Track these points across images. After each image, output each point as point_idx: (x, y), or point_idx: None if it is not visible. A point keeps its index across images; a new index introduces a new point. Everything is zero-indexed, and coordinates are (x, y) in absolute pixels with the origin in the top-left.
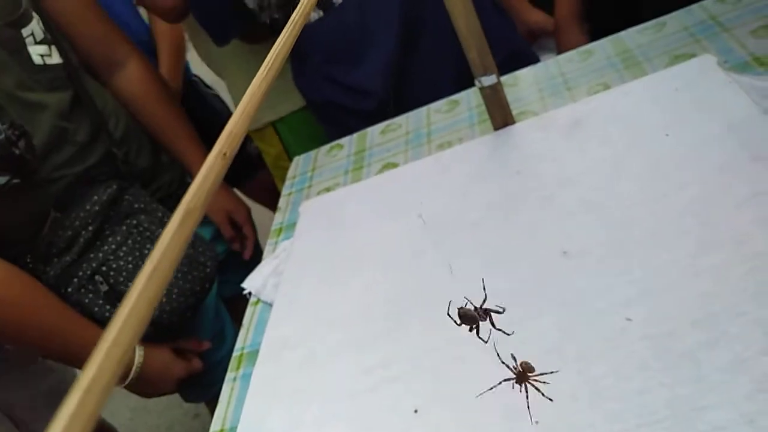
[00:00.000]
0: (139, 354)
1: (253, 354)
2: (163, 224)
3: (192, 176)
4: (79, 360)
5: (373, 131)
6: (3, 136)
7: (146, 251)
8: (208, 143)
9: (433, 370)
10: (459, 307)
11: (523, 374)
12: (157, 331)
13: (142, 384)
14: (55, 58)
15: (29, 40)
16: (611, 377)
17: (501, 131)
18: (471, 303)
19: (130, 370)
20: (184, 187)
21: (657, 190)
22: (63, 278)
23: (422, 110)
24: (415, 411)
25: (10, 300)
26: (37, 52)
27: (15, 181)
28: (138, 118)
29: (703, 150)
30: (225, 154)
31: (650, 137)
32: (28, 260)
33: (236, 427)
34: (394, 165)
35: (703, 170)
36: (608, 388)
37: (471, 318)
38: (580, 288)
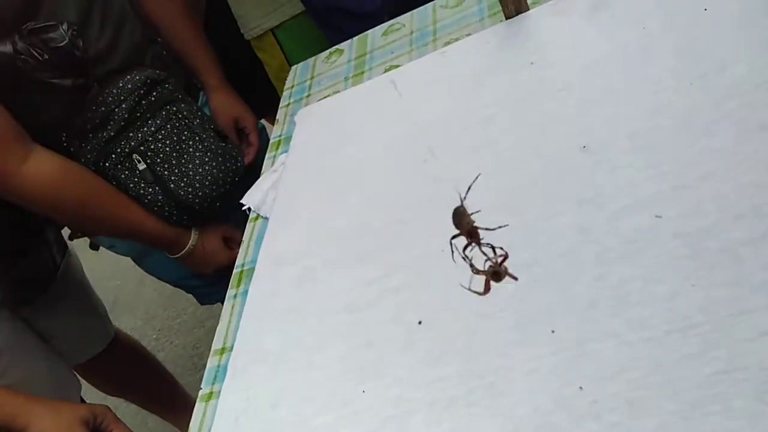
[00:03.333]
0: (194, 237)
1: (253, 271)
2: (198, 116)
3: (204, 87)
4: (115, 228)
5: (375, 33)
6: (67, 40)
7: (183, 137)
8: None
9: (437, 280)
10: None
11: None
12: (189, 216)
13: (190, 261)
14: None
15: None
16: (637, 281)
17: (513, 20)
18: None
19: (185, 246)
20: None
21: (693, 73)
22: (101, 153)
23: (427, 7)
24: (419, 323)
25: (68, 186)
26: None
27: (79, 81)
28: (155, 22)
29: (748, 25)
30: None
31: (686, 14)
32: (64, 139)
33: None
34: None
35: (748, 47)
36: (633, 293)
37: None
38: (600, 184)
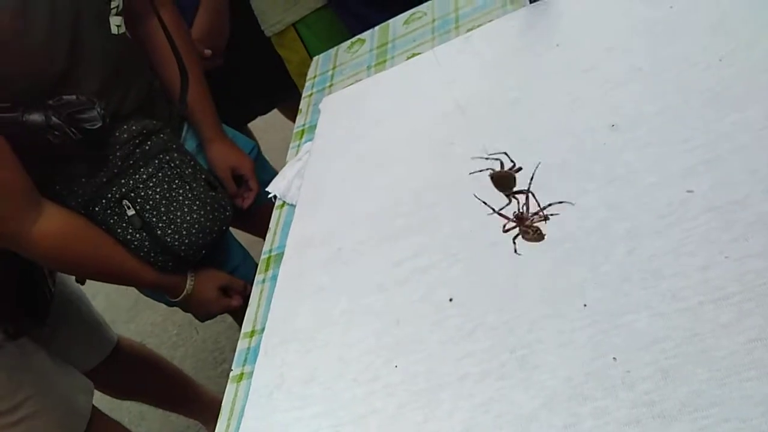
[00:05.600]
0: (188, 285)
1: (281, 256)
2: (190, 165)
3: (201, 139)
4: (116, 278)
5: (396, 22)
6: (101, 123)
7: (174, 185)
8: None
9: (466, 258)
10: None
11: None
12: (175, 262)
13: (187, 307)
14: (123, 28)
15: (113, 11)
16: (669, 254)
17: (537, 3)
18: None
19: (182, 293)
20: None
21: (722, 49)
22: (91, 199)
23: None
24: (450, 300)
25: (76, 242)
26: (115, 23)
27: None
28: (157, 68)
29: None
30: None
31: None
32: (56, 182)
33: None
34: None
35: None
36: (665, 266)
37: (506, 180)
38: (630, 161)
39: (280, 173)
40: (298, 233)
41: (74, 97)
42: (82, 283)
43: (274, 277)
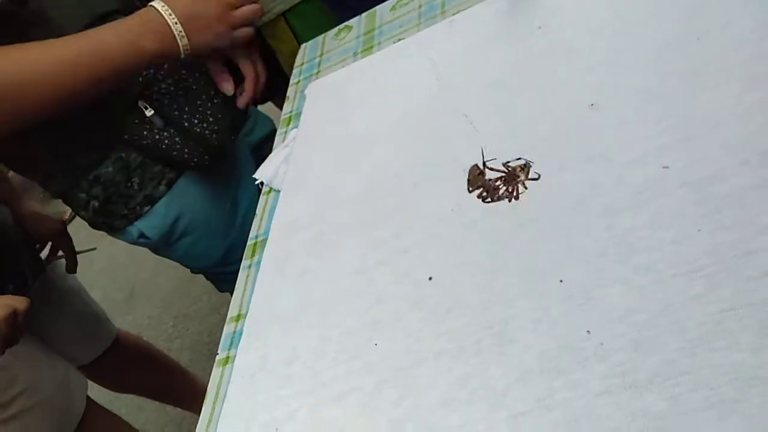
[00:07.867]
0: (160, 5)
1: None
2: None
3: None
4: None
5: (383, 8)
6: None
7: (183, 74)
8: None
9: (446, 238)
10: (473, 168)
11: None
12: (210, 154)
13: (190, 31)
14: None
15: None
16: (644, 229)
17: None
18: (484, 166)
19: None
20: None
21: (699, 29)
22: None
23: None
24: (430, 278)
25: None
26: None
27: None
28: None
29: None
30: None
31: None
32: None
33: None
34: None
35: (751, 3)
36: (640, 240)
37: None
38: (609, 139)
39: (267, 159)
40: (282, 217)
41: None
42: (73, 271)
43: (260, 263)
